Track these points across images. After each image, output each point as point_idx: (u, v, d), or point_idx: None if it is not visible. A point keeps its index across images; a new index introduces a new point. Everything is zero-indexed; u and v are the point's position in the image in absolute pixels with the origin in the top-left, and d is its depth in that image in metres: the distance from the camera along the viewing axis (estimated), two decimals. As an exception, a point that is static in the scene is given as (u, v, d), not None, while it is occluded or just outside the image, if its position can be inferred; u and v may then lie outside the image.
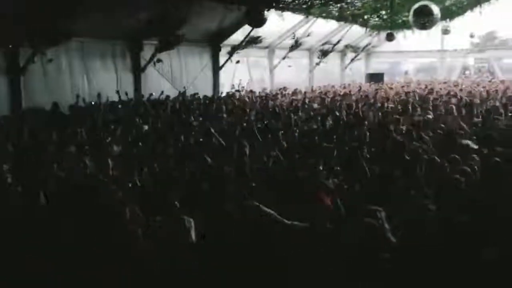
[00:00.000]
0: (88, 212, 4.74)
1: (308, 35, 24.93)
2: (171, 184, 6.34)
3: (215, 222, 4.93)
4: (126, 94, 15.46)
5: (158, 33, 16.88)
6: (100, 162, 7.48)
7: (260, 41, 22.14)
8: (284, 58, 25.84)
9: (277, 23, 21.19)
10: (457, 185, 5.44)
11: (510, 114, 12.09)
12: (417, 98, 16.83)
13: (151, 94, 16.62)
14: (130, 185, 6.26)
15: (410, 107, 13.58)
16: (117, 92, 15.53)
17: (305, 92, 21.68)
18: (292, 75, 28.62)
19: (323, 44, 28.54)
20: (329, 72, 31.29)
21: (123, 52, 17.12)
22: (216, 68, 21.58)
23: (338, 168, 6.72)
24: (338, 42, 28.54)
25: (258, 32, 21.09)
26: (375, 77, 32.13)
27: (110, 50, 16.67)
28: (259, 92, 21.64)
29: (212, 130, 9.29)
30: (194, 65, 20.32)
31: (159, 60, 17.66)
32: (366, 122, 10.47)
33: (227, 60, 21.64)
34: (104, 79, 16.23)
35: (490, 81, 28.62)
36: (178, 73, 19.35)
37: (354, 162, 7.02)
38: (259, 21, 17.56)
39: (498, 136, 8.49)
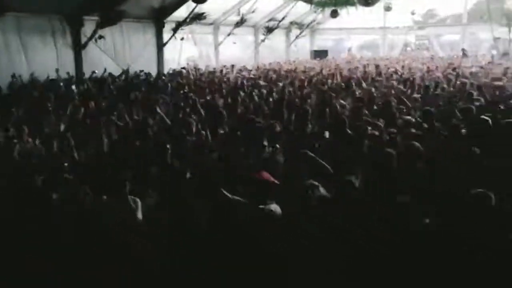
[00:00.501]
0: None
1: (253, 12, 24.85)
2: (118, 164, 6.24)
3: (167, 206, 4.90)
4: (68, 74, 15.02)
5: (98, 8, 16.41)
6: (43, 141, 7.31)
7: (205, 18, 21.90)
8: (229, 34, 25.69)
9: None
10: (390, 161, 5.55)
11: (452, 88, 12.41)
12: (359, 75, 17.11)
13: (93, 72, 16.16)
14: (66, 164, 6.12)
15: (354, 83, 13.82)
16: (57, 70, 15.06)
17: (250, 70, 21.63)
18: (237, 52, 28.53)
19: (268, 21, 28.54)
20: (274, 49, 31.38)
21: (62, 28, 16.47)
22: (160, 45, 21.20)
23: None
24: (283, 18, 28.60)
25: (203, 8, 20.84)
26: (320, 54, 32.61)
27: (48, 26, 15.98)
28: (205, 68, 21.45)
29: (158, 109, 9.16)
30: (137, 41, 19.89)
31: (100, 37, 17.18)
32: (309, 100, 10.54)
33: (171, 37, 21.30)
34: (43, 57, 15.63)
35: (431, 58, 29.37)
36: (121, 50, 18.89)
37: (300, 139, 7.12)
38: (202, -3, 17.36)
39: (437, 112, 8.74)
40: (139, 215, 4.93)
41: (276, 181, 5.03)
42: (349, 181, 4.79)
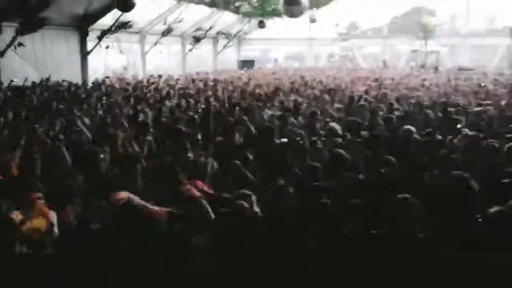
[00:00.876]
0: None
1: (180, 21, 24.76)
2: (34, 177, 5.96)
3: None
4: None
5: (18, 14, 15.78)
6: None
7: (130, 26, 21.55)
8: (156, 43, 25.44)
9: (148, 8, 20.76)
10: (314, 169, 5.67)
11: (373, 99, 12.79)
12: (286, 85, 17.37)
13: (11, 81, 15.45)
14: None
15: (281, 93, 14.02)
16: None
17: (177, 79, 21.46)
18: (165, 61, 28.29)
19: (195, 31, 28.51)
20: (202, 59, 31.40)
21: (-22, 34, 15.74)
22: (84, 54, 20.65)
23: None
24: (210, 28, 28.67)
25: (128, 16, 20.52)
26: (247, 64, 32.94)
27: (-37, 32, 15.24)
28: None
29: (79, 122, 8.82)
30: (60, 50, 19.27)
31: (20, 44, 16.49)
32: (237, 108, 10.55)
33: (95, 45, 20.80)
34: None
35: (354, 69, 30.34)
36: (42, 59, 18.20)
37: (225, 146, 7.15)
38: (128, 5, 17.02)
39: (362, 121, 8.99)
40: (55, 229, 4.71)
41: (210, 191, 5.04)
42: (285, 185, 4.89)
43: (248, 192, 4.68)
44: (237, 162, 5.76)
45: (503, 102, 11.14)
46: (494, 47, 37.00)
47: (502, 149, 6.21)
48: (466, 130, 7.35)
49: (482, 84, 16.18)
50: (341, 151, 6.13)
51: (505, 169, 5.56)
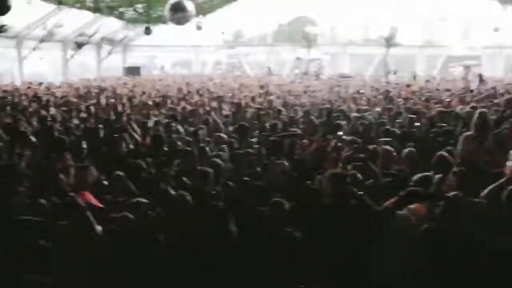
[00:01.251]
0: None
1: (61, 26, 23.78)
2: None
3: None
4: None
5: None
6: None
7: (6, 30, 20.30)
8: (34, 49, 24.20)
9: (26, 12, 19.70)
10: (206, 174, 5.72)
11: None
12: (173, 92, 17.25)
13: None
14: None
15: (168, 101, 13.89)
16: None
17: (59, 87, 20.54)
18: (45, 67, 27.02)
19: (77, 36, 27.51)
20: (85, 65, 30.38)
21: None
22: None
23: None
24: (94, 34, 27.80)
25: (4, 20, 19.32)
26: (133, 71, 32.13)
27: None
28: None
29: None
30: None
31: None
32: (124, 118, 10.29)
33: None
34: None
35: (240, 76, 30.86)
36: None
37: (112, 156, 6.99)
38: (3, 8, 16.01)
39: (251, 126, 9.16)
40: None
41: (99, 204, 4.90)
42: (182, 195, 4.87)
43: (143, 200, 4.60)
44: (119, 173, 5.61)
45: (379, 108, 11.84)
46: (371, 56, 39.45)
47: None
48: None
49: (361, 91, 17.10)
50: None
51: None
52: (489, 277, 3.74)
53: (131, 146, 7.69)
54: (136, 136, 8.02)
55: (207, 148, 7.17)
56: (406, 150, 6.28)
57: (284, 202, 4.44)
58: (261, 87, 19.31)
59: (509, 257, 3.76)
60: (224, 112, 11.63)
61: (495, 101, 12.57)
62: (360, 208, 4.38)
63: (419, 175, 5.00)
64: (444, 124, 8.65)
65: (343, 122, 9.34)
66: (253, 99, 14.32)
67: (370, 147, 6.51)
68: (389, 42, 35.93)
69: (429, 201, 4.42)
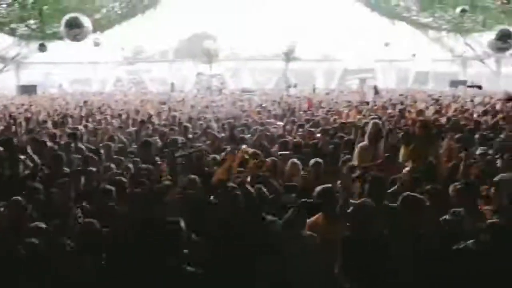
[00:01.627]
0: None
1: None
2: None
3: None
4: None
5: None
6: None
7: None
8: None
9: None
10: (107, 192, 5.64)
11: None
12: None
13: None
14: None
15: (70, 119, 13.44)
16: None
17: None
18: None
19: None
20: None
21: None
22: None
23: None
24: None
25: None
26: (28, 89, 30.56)
27: None
28: None
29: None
30: None
31: None
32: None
33: None
34: None
35: (143, 92, 30.44)
36: None
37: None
38: None
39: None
40: None
41: None
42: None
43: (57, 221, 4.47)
44: (18, 197, 5.36)
45: (281, 123, 12.13)
46: (271, 70, 40.47)
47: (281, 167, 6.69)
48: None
49: (264, 105, 17.45)
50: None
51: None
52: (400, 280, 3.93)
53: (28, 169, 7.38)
54: (34, 157, 7.69)
55: (112, 165, 7.03)
56: (312, 161, 6.47)
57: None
58: (163, 103, 19.21)
59: (404, 261, 3.95)
60: (128, 130, 11.44)
61: (389, 111, 13.36)
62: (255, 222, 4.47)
63: (321, 186, 4.91)
64: (344, 135, 8.99)
65: (248, 136, 9.52)
66: (158, 115, 14.24)
67: (268, 159, 6.62)
68: (289, 56, 37.07)
69: (329, 209, 4.56)
